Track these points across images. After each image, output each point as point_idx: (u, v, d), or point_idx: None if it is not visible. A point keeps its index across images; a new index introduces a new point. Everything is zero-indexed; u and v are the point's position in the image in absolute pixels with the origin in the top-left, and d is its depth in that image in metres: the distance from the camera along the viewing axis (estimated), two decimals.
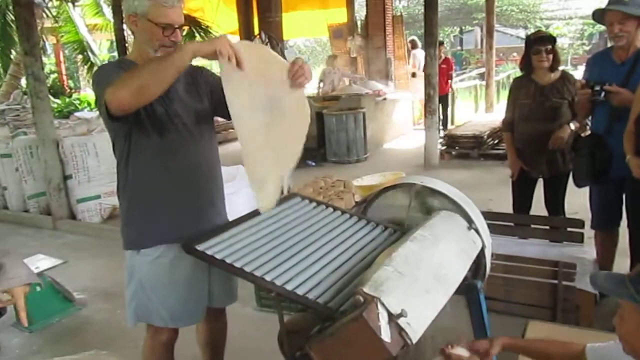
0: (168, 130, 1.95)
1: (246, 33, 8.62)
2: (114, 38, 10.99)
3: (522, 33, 23.39)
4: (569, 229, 3.34)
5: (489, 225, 3.35)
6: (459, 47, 26.68)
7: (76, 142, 5.58)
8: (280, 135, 1.84)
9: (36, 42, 5.53)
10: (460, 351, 1.67)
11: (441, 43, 9.13)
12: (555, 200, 3.59)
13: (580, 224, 3.26)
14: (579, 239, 3.27)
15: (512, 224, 3.60)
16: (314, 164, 8.03)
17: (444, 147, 7.82)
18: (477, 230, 1.89)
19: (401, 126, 10.24)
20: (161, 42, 1.89)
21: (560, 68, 3.51)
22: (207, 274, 2.09)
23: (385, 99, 9.53)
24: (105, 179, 5.60)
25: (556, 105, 3.39)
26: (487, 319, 2.03)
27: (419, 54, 10.77)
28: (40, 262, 4.56)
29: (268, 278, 1.57)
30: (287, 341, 1.64)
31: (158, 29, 1.87)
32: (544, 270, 2.97)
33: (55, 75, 16.52)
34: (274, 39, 6.66)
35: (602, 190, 3.01)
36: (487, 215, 3.53)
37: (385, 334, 1.25)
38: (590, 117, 3.14)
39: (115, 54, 11.60)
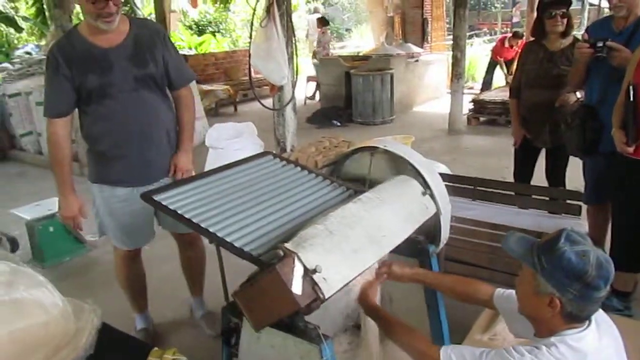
0: (102, 99, 2.17)
1: None
2: None
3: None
4: (567, 201, 3.29)
5: (489, 193, 3.36)
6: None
7: None
8: None
9: None
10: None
11: (520, 36, 8.78)
12: (556, 171, 3.52)
13: (577, 195, 3.20)
14: (577, 211, 3.22)
15: (512, 192, 3.56)
16: (339, 123, 8.04)
17: (470, 112, 7.67)
18: (432, 196, 1.90)
19: (434, 89, 10.03)
20: (96, 13, 2.04)
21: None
22: None
23: (417, 60, 9.34)
24: None
25: (564, 73, 3.27)
26: None
27: None
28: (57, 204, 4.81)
29: (212, 229, 1.65)
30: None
31: (88, 2, 2.02)
32: None
33: None
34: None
35: (593, 163, 2.94)
36: (486, 183, 3.54)
37: (297, 287, 1.32)
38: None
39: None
